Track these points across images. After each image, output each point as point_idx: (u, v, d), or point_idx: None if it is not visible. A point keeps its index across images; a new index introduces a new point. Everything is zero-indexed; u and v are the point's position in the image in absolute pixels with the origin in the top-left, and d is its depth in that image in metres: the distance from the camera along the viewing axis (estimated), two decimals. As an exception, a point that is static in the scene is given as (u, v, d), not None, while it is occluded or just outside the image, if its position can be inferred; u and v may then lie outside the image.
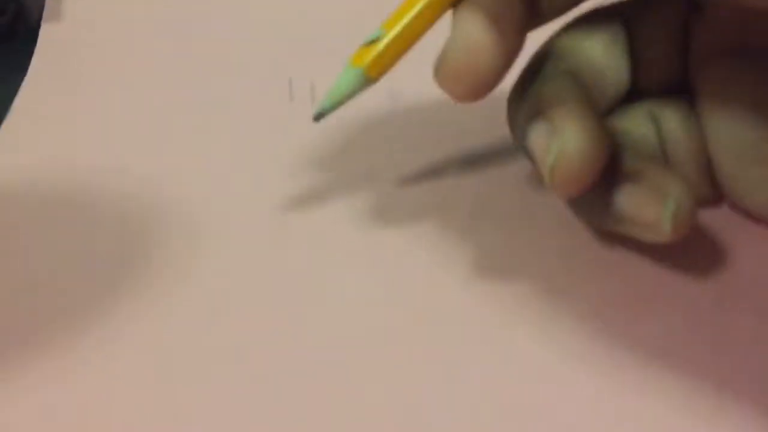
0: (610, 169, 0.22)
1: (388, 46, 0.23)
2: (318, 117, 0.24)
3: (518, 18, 0.22)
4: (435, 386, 0.20)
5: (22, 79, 0.33)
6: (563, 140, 0.21)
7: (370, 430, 0.19)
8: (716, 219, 0.24)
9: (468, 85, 0.22)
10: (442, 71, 0.22)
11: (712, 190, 0.24)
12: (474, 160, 0.27)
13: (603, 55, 0.24)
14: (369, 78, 0.23)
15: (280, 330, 0.21)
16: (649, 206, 0.21)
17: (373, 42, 0.23)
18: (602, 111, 0.24)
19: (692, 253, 0.23)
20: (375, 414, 0.19)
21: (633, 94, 0.25)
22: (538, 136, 0.22)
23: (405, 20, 0.23)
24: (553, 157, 0.21)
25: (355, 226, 0.25)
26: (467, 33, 0.22)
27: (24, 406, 0.20)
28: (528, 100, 0.23)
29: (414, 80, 0.24)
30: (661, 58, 0.25)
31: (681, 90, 0.24)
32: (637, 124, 0.24)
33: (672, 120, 0.24)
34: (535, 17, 0.23)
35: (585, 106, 0.22)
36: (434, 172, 0.27)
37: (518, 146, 0.24)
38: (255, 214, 0.25)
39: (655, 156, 0.24)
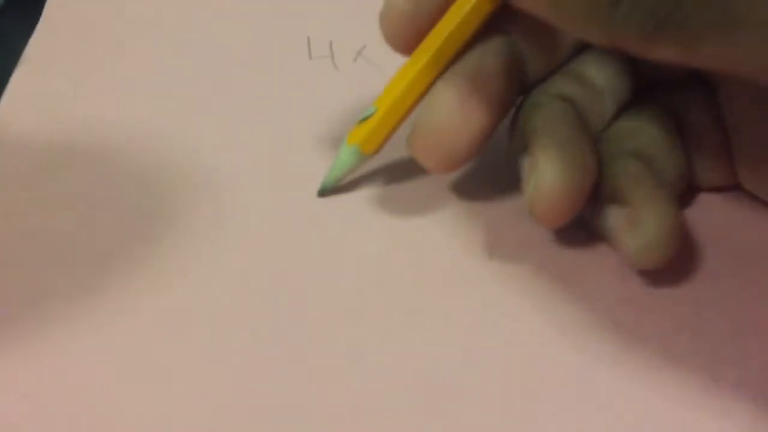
0: (604, 185, 0.22)
1: (379, 122, 0.23)
2: (322, 193, 0.25)
3: (497, 92, 0.22)
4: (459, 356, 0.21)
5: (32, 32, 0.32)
6: (538, 175, 0.21)
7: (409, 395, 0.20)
8: (729, 201, 0.25)
9: (439, 159, 0.22)
10: (413, 145, 0.23)
11: (730, 176, 0.24)
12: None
13: (597, 70, 0.24)
14: (365, 154, 0.24)
15: (300, 295, 0.22)
16: (625, 232, 0.21)
17: (366, 119, 0.23)
18: (602, 127, 0.24)
19: (704, 235, 0.24)
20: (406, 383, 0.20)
21: (648, 89, 0.24)
22: (523, 170, 0.22)
23: (394, 96, 0.23)
24: (530, 192, 0.21)
25: (374, 190, 0.25)
26: (439, 109, 0.22)
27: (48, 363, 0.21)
28: (518, 132, 0.23)
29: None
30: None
31: (698, 78, 0.24)
32: (652, 119, 0.24)
33: (691, 111, 0.24)
34: (520, 87, 0.23)
35: (566, 137, 0.21)
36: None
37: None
38: (273, 173, 0.26)
39: (671, 151, 0.23)
